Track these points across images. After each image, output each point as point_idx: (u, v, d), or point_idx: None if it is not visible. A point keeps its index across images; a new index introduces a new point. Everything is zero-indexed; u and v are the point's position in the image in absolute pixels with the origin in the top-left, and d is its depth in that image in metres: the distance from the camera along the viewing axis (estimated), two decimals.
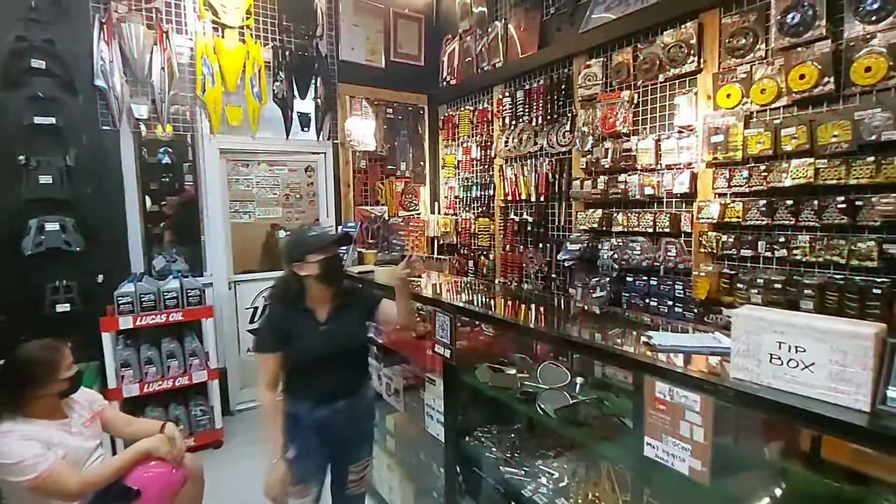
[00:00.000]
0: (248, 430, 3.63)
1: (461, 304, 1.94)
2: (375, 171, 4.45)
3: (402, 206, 4.56)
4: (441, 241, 4.56)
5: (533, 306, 2.06)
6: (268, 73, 3.79)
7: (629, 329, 1.61)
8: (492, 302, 2.12)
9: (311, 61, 3.92)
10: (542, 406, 1.61)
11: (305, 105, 4.01)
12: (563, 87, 3.40)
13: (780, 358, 0.97)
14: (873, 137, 1.97)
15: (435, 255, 4.43)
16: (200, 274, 3.65)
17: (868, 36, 2.01)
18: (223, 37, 3.56)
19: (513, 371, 1.91)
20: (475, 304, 2.02)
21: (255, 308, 4.05)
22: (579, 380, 1.76)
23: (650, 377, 1.14)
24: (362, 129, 4.19)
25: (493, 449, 1.87)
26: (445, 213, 4.64)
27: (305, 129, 4.03)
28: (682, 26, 2.65)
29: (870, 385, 0.85)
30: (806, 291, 2.16)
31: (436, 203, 4.75)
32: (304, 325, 1.82)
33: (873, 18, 2.00)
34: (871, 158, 1.99)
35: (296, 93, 3.89)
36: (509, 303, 2.18)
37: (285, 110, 3.85)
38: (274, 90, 3.79)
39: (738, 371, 1.03)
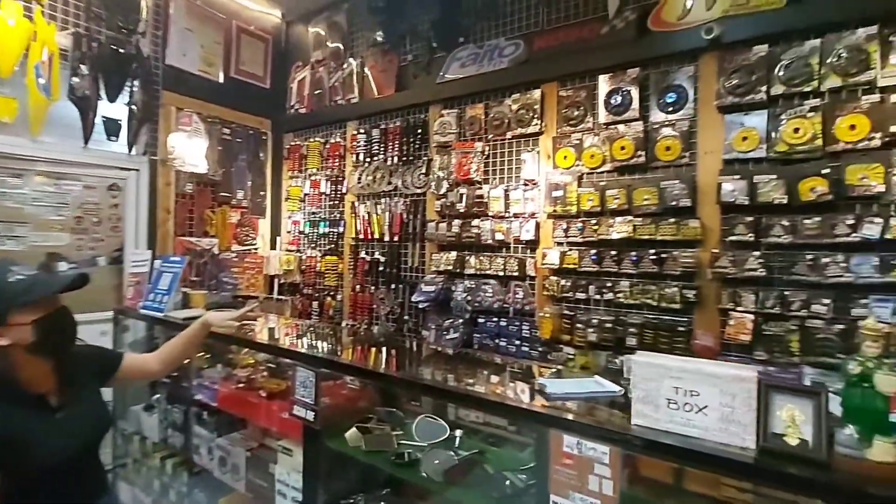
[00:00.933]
0: None
1: (327, 357, 1.69)
2: (205, 197, 3.83)
3: (236, 239, 4.00)
4: (282, 280, 4.12)
5: (397, 353, 1.92)
6: (63, 64, 3.00)
7: (507, 374, 1.59)
8: (356, 351, 1.92)
9: (127, 59, 3.25)
10: (426, 469, 1.46)
11: (115, 110, 3.28)
12: (419, 130, 3.47)
13: (676, 402, 1.02)
14: (673, 203, 2.43)
15: (275, 296, 3.96)
16: None
17: (666, 122, 2.51)
18: None
19: (386, 429, 1.72)
20: (338, 353, 1.80)
21: None
22: (458, 432, 1.67)
23: (557, 431, 1.10)
24: (191, 147, 3.60)
25: None
26: (288, 250, 4.23)
27: (113, 138, 3.28)
28: (528, 92, 2.95)
29: (754, 424, 0.95)
30: (630, 330, 2.50)
31: (277, 238, 4.30)
32: (28, 420, 1.25)
33: (670, 109, 2.51)
34: (673, 220, 2.43)
35: (102, 93, 3.16)
36: (373, 351, 2.01)
37: (86, 112, 3.08)
38: (72, 85, 3.01)
39: (638, 417, 1.07)
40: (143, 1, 3.36)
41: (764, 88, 2.24)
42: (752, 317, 2.22)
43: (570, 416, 1.12)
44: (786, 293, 2.17)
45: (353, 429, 1.69)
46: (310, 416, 1.58)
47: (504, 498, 1.34)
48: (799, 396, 0.93)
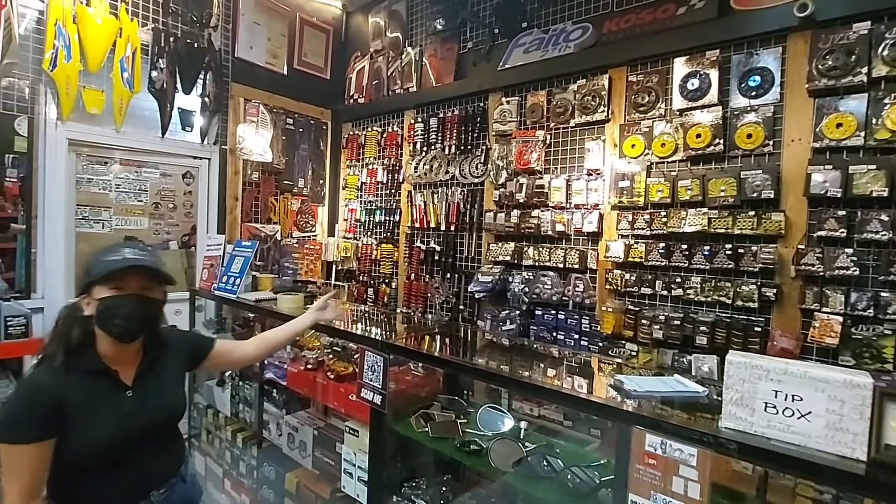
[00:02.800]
0: None
1: (398, 344, 1.71)
2: (269, 185, 3.99)
3: (297, 226, 4.14)
4: (339, 267, 4.23)
5: (460, 342, 1.93)
6: (144, 59, 3.19)
7: (574, 367, 1.55)
8: (422, 339, 1.93)
9: (200, 53, 3.41)
10: (494, 460, 1.46)
11: (189, 101, 3.45)
12: (477, 119, 3.43)
13: (775, 406, 0.96)
14: (754, 195, 2.28)
15: (332, 282, 4.08)
16: (27, 296, 2.83)
17: (748, 108, 2.35)
18: (89, 5, 2.91)
19: (451, 416, 1.73)
20: (405, 340, 1.82)
21: None
22: (523, 424, 1.66)
23: (640, 429, 1.06)
24: (257, 138, 3.74)
25: None
26: (345, 237, 4.33)
27: (187, 128, 3.46)
28: (594, 78, 2.84)
29: (866, 434, 0.87)
30: (701, 328, 2.38)
31: (335, 225, 4.42)
32: (100, 392, 1.26)
33: (753, 94, 2.35)
34: (752, 212, 2.28)
35: (179, 86, 3.34)
36: (436, 339, 2.02)
37: (164, 104, 3.27)
38: (151, 78, 3.19)
39: (730, 420, 1.01)
40: None
41: (864, 70, 2.04)
42: (840, 318, 2.06)
43: (654, 415, 1.07)
44: (881, 294, 1.99)
45: (418, 415, 1.71)
46: (377, 399, 1.61)
47: (576, 494, 1.32)
48: None
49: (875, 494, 0.88)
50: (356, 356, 1.87)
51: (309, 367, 2.13)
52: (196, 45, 3.41)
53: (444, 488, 1.73)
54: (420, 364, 1.89)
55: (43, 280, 2.93)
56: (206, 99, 3.50)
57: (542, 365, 1.63)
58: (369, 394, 1.65)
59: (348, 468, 1.79)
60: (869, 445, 0.88)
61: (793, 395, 0.94)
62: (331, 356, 2.15)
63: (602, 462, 1.44)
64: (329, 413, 2.15)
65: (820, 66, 2.13)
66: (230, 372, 2.70)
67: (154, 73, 3.24)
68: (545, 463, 1.37)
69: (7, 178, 2.79)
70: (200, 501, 1.55)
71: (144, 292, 1.30)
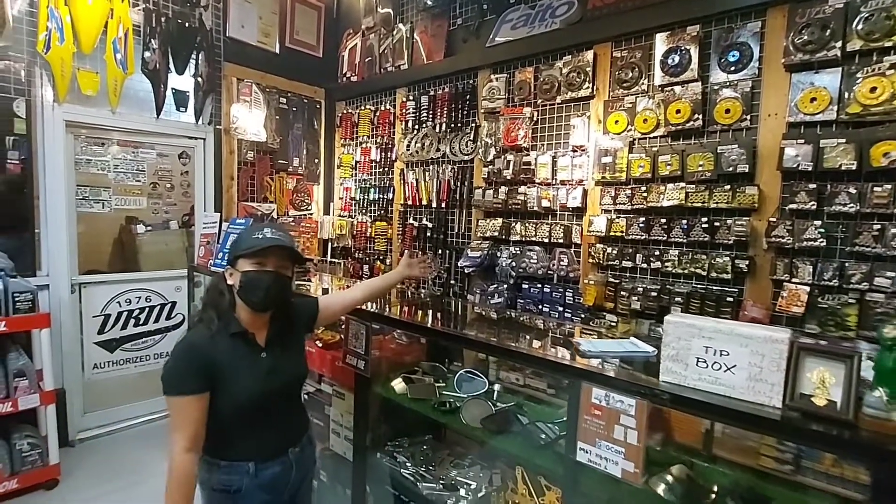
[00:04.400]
0: (95, 464, 3.02)
1: (377, 312, 1.82)
2: (264, 164, 4.06)
3: (292, 204, 4.23)
4: (335, 245, 4.33)
5: (443, 312, 2.03)
6: (137, 40, 3.23)
7: (546, 335, 1.65)
8: (406, 308, 2.04)
9: (192, 32, 3.45)
10: (465, 417, 1.58)
11: (183, 82, 3.51)
12: (467, 97, 3.47)
13: (706, 361, 1.06)
14: (730, 169, 2.34)
15: (328, 259, 4.18)
16: (33, 273, 2.96)
17: (727, 83, 2.39)
18: None
19: (429, 380, 1.85)
20: (387, 311, 1.92)
21: (107, 316, 3.40)
22: (497, 387, 1.77)
23: (587, 384, 1.17)
24: (251, 117, 3.80)
25: (407, 464, 1.79)
26: (340, 215, 4.42)
27: (181, 109, 3.53)
28: (580, 54, 2.87)
29: (782, 384, 0.97)
30: (676, 299, 2.47)
31: (330, 204, 4.50)
32: (241, 353, 1.40)
33: (732, 69, 2.38)
34: (728, 187, 2.35)
35: (172, 66, 3.39)
36: (423, 309, 2.13)
37: (157, 84, 3.33)
38: (144, 59, 3.24)
39: (667, 374, 1.11)
40: None
41: (839, 44, 2.07)
42: (807, 289, 2.14)
43: (600, 372, 1.17)
44: (846, 265, 2.07)
45: (400, 378, 1.83)
46: (360, 364, 1.73)
47: (535, 445, 1.43)
48: (831, 359, 0.94)
49: (789, 437, 0.98)
50: (342, 326, 1.98)
51: None
52: (187, 24, 3.45)
53: (424, 447, 1.86)
54: (403, 333, 2.00)
55: (47, 258, 3.05)
56: (199, 79, 3.55)
57: (512, 332, 1.73)
58: (353, 359, 1.76)
59: (336, 428, 1.92)
60: (784, 394, 0.98)
61: (721, 351, 1.04)
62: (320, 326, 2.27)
63: (564, 419, 1.55)
64: (321, 379, 2.28)
65: (796, 41, 2.16)
66: None
67: (147, 54, 3.28)
68: (512, 419, 1.49)
69: (9, 161, 2.88)
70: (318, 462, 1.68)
71: (280, 270, 1.43)
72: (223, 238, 2.83)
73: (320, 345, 2.10)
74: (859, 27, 2.04)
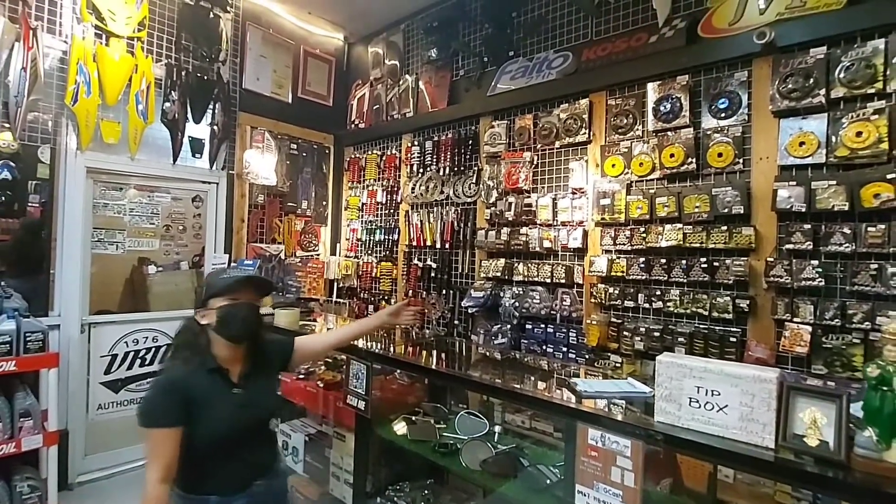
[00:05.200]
0: None
1: (379, 352, 1.84)
2: (274, 207, 4.19)
3: (300, 245, 4.33)
4: (340, 285, 4.39)
5: (448, 352, 2.04)
6: (158, 92, 3.43)
7: (547, 376, 1.66)
8: (409, 348, 2.06)
9: (210, 85, 3.66)
10: (465, 459, 1.57)
11: (199, 130, 3.69)
12: (469, 142, 3.60)
13: (698, 401, 1.07)
14: (726, 210, 2.39)
15: (334, 299, 4.23)
16: (45, 313, 3.02)
17: (718, 129, 2.48)
18: (107, 45, 3.17)
19: (430, 421, 1.85)
20: (388, 350, 1.95)
21: (114, 356, 3.44)
22: (497, 428, 1.76)
23: (583, 424, 1.18)
24: (263, 162, 3.96)
25: None
26: (346, 256, 4.50)
27: (197, 155, 3.69)
28: (576, 102, 3.00)
29: (773, 424, 0.98)
30: (679, 339, 2.47)
31: (337, 245, 4.59)
32: (215, 388, 1.47)
33: (722, 115, 2.48)
34: (725, 227, 2.39)
35: (189, 116, 3.57)
36: (426, 349, 2.14)
37: (175, 133, 3.50)
38: (164, 110, 3.43)
39: (661, 415, 1.12)
40: (223, 32, 3.77)
41: (822, 92, 2.16)
42: (809, 328, 2.14)
43: (595, 412, 1.18)
44: (847, 304, 2.07)
45: (401, 420, 1.83)
46: (361, 405, 1.73)
47: (537, 489, 1.42)
48: (821, 399, 0.95)
49: (783, 477, 0.98)
50: (344, 366, 1.99)
51: (301, 376, 2.26)
52: (206, 77, 3.66)
53: (425, 491, 1.83)
54: (404, 373, 2.01)
55: (60, 299, 3.13)
56: (215, 127, 3.73)
57: (514, 372, 1.74)
58: (354, 399, 1.77)
59: (335, 471, 1.90)
60: (777, 434, 0.98)
61: (712, 391, 1.05)
62: (321, 366, 2.28)
63: (563, 463, 1.53)
64: (322, 421, 2.27)
65: (781, 89, 2.26)
66: None
67: (167, 105, 3.48)
68: (512, 462, 1.48)
69: (30, 204, 3.00)
70: (288, 494, 1.72)
71: (252, 301, 1.54)
72: None
73: (321, 385, 2.10)
74: (841, 75, 2.14)
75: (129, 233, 3.69)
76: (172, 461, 1.36)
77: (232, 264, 2.93)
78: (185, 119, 3.57)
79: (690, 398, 1.07)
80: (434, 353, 2.06)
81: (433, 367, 1.63)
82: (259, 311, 1.57)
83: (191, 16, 3.60)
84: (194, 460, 1.40)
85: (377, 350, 1.84)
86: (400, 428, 1.82)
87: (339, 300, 4.23)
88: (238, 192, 3.96)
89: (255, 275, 1.56)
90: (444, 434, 1.79)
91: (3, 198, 2.88)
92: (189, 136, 3.64)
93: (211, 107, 3.70)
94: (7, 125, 2.83)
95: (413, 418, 1.87)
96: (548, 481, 1.47)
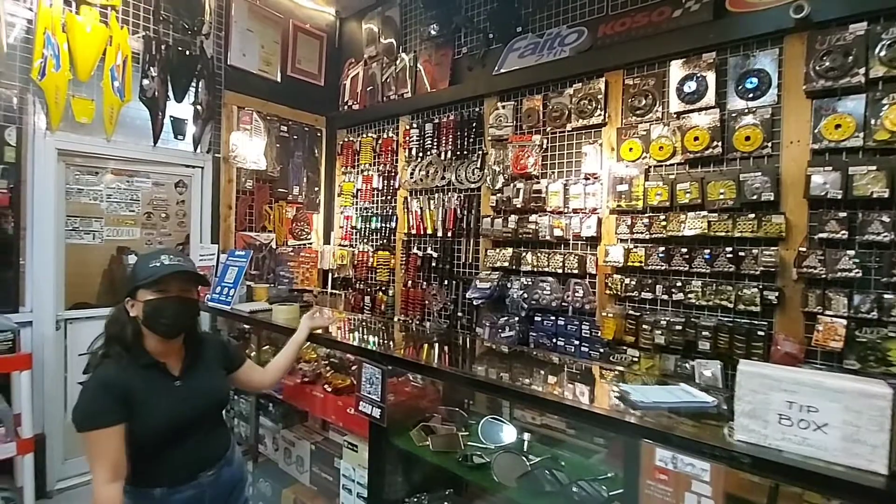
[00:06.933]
0: None
1: (396, 355, 1.66)
2: (264, 193, 3.94)
3: (292, 234, 4.10)
4: (335, 275, 4.18)
5: (459, 351, 1.88)
6: (135, 67, 3.15)
7: (589, 378, 1.51)
8: (420, 349, 1.89)
9: (192, 60, 3.38)
10: (498, 474, 1.42)
11: (181, 110, 3.41)
12: (473, 124, 3.41)
13: (789, 418, 0.92)
14: (754, 197, 2.26)
15: (329, 290, 4.03)
16: (14, 309, 2.77)
17: (746, 110, 2.33)
18: (78, 13, 2.87)
19: (452, 429, 1.69)
20: (404, 351, 1.78)
21: (94, 353, 3.20)
22: (527, 436, 1.61)
23: (649, 443, 1.03)
24: (251, 145, 3.70)
25: None
26: (341, 245, 4.29)
27: (180, 137, 3.42)
28: (590, 82, 2.82)
29: (886, 446, 0.84)
30: (703, 333, 2.35)
31: (330, 233, 4.37)
32: (154, 383, 1.42)
33: (750, 96, 2.33)
34: (752, 215, 2.26)
35: (170, 94, 3.29)
36: (435, 349, 1.97)
37: (155, 112, 3.22)
38: (142, 87, 3.15)
39: (743, 432, 0.98)
40: (207, 3, 3.48)
41: (862, 71, 2.03)
42: (843, 322, 2.03)
43: (663, 428, 1.03)
44: (885, 296, 1.97)
45: (419, 428, 1.67)
46: (376, 413, 1.57)
47: None
48: None
49: None
50: (353, 368, 1.82)
51: (306, 379, 2.07)
52: (188, 52, 3.38)
53: (445, 503, 1.69)
54: (419, 375, 1.84)
55: (31, 293, 2.88)
56: (199, 107, 3.46)
57: (545, 374, 1.58)
58: (367, 407, 1.60)
59: (347, 484, 1.74)
60: (889, 458, 0.85)
61: (807, 407, 0.91)
62: (328, 368, 2.10)
63: (609, 475, 1.40)
64: (327, 427, 2.10)
65: (817, 68, 2.12)
66: None
67: (145, 82, 3.20)
68: (550, 477, 1.33)
69: None
70: (246, 484, 1.69)
71: (184, 294, 1.46)
72: (221, 271, 2.69)
73: (329, 389, 1.93)
74: (881, 54, 2.00)
75: (106, 221, 3.42)
76: (118, 460, 1.32)
77: (222, 255, 2.71)
78: (166, 97, 3.29)
79: (780, 415, 0.93)
80: (450, 353, 1.90)
81: (470, 375, 1.45)
82: (193, 304, 1.51)
83: None
84: (138, 454, 1.39)
85: (392, 353, 1.67)
86: (420, 437, 1.65)
87: (334, 291, 4.04)
88: (225, 176, 3.71)
89: (185, 266, 1.48)
90: (468, 444, 1.63)
91: None
92: (170, 116, 3.36)
93: (194, 84, 3.42)
94: None
95: (432, 425, 1.71)
96: (587, 498, 1.33)
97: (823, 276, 2.07)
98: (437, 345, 2.00)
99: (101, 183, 3.37)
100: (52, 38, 2.74)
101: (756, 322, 2.27)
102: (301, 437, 2.12)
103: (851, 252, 2.02)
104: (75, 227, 3.22)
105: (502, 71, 3.23)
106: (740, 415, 0.98)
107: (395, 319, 3.77)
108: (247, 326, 2.70)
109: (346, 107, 4.36)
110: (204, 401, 1.52)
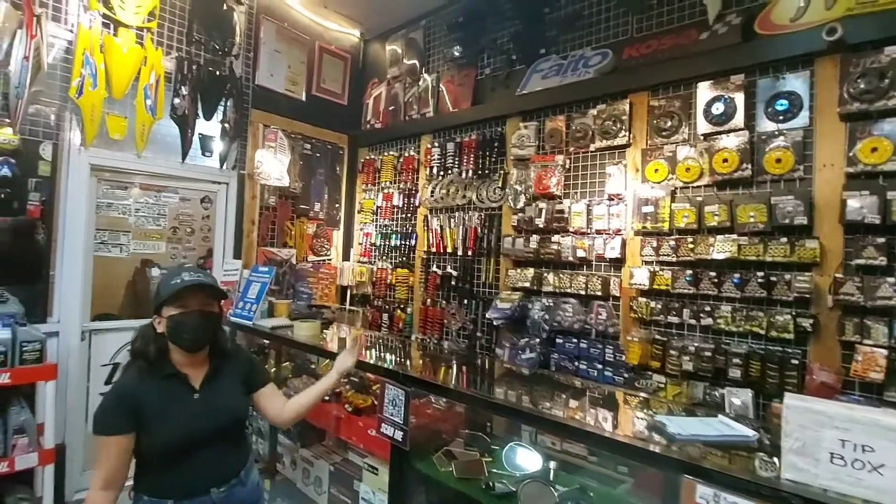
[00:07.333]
0: None
1: (422, 377, 1.63)
2: (286, 209, 3.99)
3: (312, 250, 4.13)
4: (353, 292, 4.19)
5: (482, 373, 1.84)
6: (167, 86, 3.24)
7: (619, 406, 1.46)
8: (444, 371, 1.85)
9: (222, 80, 3.47)
10: None
11: (210, 127, 3.49)
12: (495, 143, 3.42)
13: (843, 457, 0.87)
14: (786, 221, 2.20)
15: (347, 307, 4.03)
16: (43, 320, 2.82)
17: (776, 133, 2.29)
18: (116, 35, 2.98)
19: (476, 455, 1.64)
20: (428, 372, 1.74)
21: (116, 364, 3.23)
22: (552, 464, 1.56)
23: (690, 479, 0.98)
24: (275, 162, 3.77)
25: None
26: (360, 261, 4.30)
27: (207, 154, 3.50)
28: (615, 103, 2.81)
29: None
30: (734, 360, 2.27)
31: (350, 250, 4.39)
32: (172, 394, 1.47)
33: (781, 119, 2.29)
34: (784, 240, 2.20)
35: (200, 112, 3.38)
36: (459, 370, 1.94)
37: (185, 129, 3.31)
38: (174, 105, 3.24)
39: (791, 471, 0.92)
40: (237, 26, 3.59)
41: None
42: (884, 352, 1.95)
43: (705, 463, 0.99)
44: None
45: (441, 452, 1.63)
46: (398, 435, 1.54)
47: None
48: None
49: None
50: (375, 387, 1.80)
51: (325, 398, 2.05)
52: (218, 72, 3.47)
53: None
54: (442, 398, 1.81)
55: (59, 303, 2.93)
56: (227, 125, 3.54)
57: (577, 402, 1.54)
58: (390, 429, 1.57)
59: None
60: None
61: (862, 446, 0.86)
62: (348, 387, 2.08)
63: None
64: (346, 447, 2.06)
65: (851, 90, 2.08)
66: None
67: (177, 100, 3.29)
68: None
69: (30, 202, 2.81)
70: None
71: (205, 308, 1.51)
72: (244, 286, 2.71)
73: (350, 409, 1.90)
74: None
75: (133, 234, 3.50)
76: (115, 470, 1.37)
77: (245, 271, 2.73)
78: (196, 115, 3.38)
79: (832, 453, 0.88)
80: (474, 375, 1.86)
81: (504, 402, 1.39)
82: (213, 317, 1.55)
83: (204, 7, 3.41)
84: (151, 464, 1.42)
85: (418, 374, 1.64)
86: (442, 462, 1.61)
87: (352, 308, 4.03)
88: (249, 193, 3.77)
89: (204, 280, 1.53)
90: (492, 470, 1.58)
91: (2, 196, 2.69)
92: (199, 134, 3.44)
93: (223, 103, 3.51)
94: (7, 119, 2.64)
95: (454, 450, 1.66)
96: None
97: (862, 303, 1.99)
98: (460, 366, 1.97)
99: (129, 197, 3.45)
100: (91, 58, 2.85)
101: (789, 350, 2.18)
102: (319, 457, 2.09)
103: (892, 279, 1.94)
104: (103, 240, 3.30)
105: (525, 91, 3.24)
106: (788, 452, 0.93)
107: (414, 338, 3.74)
108: (266, 342, 2.70)
109: (368, 125, 4.42)
110: (220, 416, 1.52)
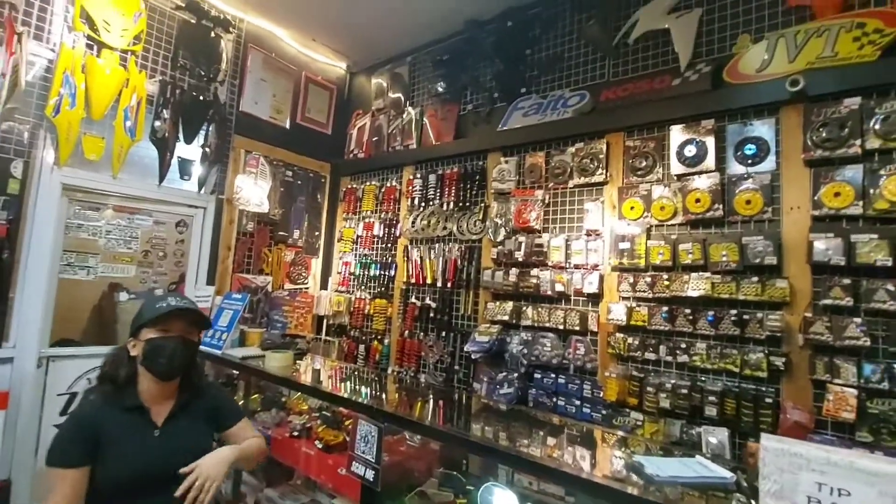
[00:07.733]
0: None
1: (397, 413, 1.58)
2: (263, 235, 3.93)
3: (289, 277, 4.05)
4: (330, 321, 4.10)
5: (460, 409, 1.79)
6: (149, 109, 3.22)
7: (597, 446, 1.43)
8: (419, 406, 1.80)
9: (205, 105, 3.46)
10: None
11: (190, 151, 3.46)
12: (476, 177, 3.46)
13: (819, 501, 0.86)
14: (757, 260, 2.26)
15: (323, 337, 3.93)
16: None
17: (745, 175, 2.38)
18: (99, 56, 2.96)
19: (450, 496, 1.58)
20: (402, 407, 1.69)
21: (73, 395, 3.06)
22: None
23: None
24: (255, 189, 3.73)
25: None
26: (338, 290, 4.23)
27: (186, 177, 3.45)
28: (592, 142, 2.90)
29: None
30: (709, 398, 2.28)
31: (328, 278, 4.33)
32: (132, 428, 1.39)
33: (749, 162, 2.39)
34: (756, 279, 2.25)
35: (181, 136, 3.35)
36: (435, 406, 1.89)
37: (164, 152, 3.26)
38: (154, 128, 3.21)
39: None
40: (223, 53, 3.61)
41: (858, 142, 2.09)
42: (854, 391, 1.98)
43: None
44: (894, 367, 1.92)
45: (414, 493, 1.56)
46: (370, 475, 1.47)
47: None
48: None
49: None
50: (348, 422, 1.73)
51: (295, 434, 1.97)
52: (202, 97, 3.47)
53: None
54: (416, 435, 1.75)
55: (17, 327, 2.78)
56: (207, 149, 3.52)
57: (553, 440, 1.51)
58: (361, 468, 1.50)
59: None
60: None
61: (839, 489, 0.85)
62: (319, 422, 2.00)
63: None
64: (314, 486, 1.96)
65: (814, 138, 2.19)
66: None
67: (157, 123, 3.26)
68: None
69: None
70: None
71: (186, 335, 1.46)
72: (216, 314, 2.62)
73: (320, 446, 1.82)
74: (876, 127, 2.07)
75: (102, 257, 3.38)
76: None
77: (217, 297, 2.65)
78: (176, 139, 3.34)
79: (809, 497, 0.87)
80: (455, 412, 1.81)
81: (478, 439, 1.34)
82: (193, 346, 1.50)
83: (191, 34, 3.44)
84: (100, 502, 1.32)
85: (392, 409, 1.59)
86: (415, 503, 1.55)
87: (328, 338, 3.94)
88: (227, 218, 3.71)
89: (191, 306, 1.48)
90: None
91: None
92: (178, 157, 3.40)
93: (205, 127, 3.49)
94: None
95: (427, 491, 1.60)
96: None
97: (831, 343, 2.04)
98: (436, 401, 1.92)
99: (101, 219, 3.35)
100: (71, 77, 2.82)
101: (763, 388, 2.21)
102: (286, 498, 1.98)
103: (858, 319, 2.00)
104: (70, 262, 3.18)
105: (506, 128, 3.32)
106: (766, 495, 0.91)
107: (390, 371, 3.66)
108: (235, 372, 2.60)
109: (351, 154, 4.44)
110: (179, 457, 1.41)
